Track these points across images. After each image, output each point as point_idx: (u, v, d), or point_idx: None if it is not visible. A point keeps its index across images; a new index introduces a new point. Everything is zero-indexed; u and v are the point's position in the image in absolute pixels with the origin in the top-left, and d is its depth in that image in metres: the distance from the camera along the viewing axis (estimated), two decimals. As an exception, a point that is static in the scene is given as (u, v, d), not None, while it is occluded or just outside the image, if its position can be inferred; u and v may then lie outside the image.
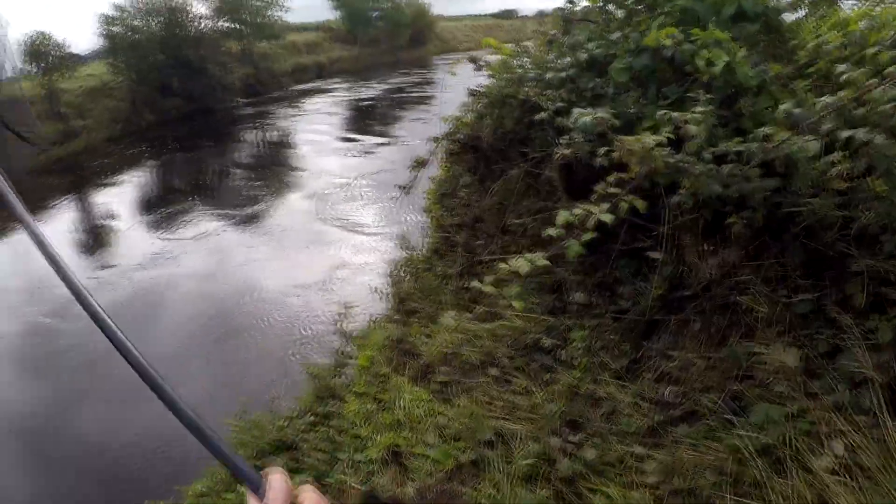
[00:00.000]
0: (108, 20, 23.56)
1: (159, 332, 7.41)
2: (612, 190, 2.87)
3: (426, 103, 19.99)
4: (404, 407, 3.59)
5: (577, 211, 2.82)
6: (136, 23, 23.68)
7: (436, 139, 5.86)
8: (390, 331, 4.36)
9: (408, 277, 5.57)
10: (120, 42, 23.29)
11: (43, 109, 20.67)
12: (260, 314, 7.41)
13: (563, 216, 2.82)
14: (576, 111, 3.63)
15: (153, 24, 23.82)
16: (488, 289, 3.00)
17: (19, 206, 0.84)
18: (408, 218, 9.13)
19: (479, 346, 3.99)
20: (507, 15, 53.74)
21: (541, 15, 14.69)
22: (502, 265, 2.84)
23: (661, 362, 3.31)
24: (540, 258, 2.80)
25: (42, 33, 21.09)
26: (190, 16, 24.71)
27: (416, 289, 5.14)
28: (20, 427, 5.92)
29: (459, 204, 5.87)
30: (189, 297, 8.39)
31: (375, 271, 7.53)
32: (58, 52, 21.33)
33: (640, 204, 2.87)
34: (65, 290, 0.78)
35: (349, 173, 12.87)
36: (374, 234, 9.43)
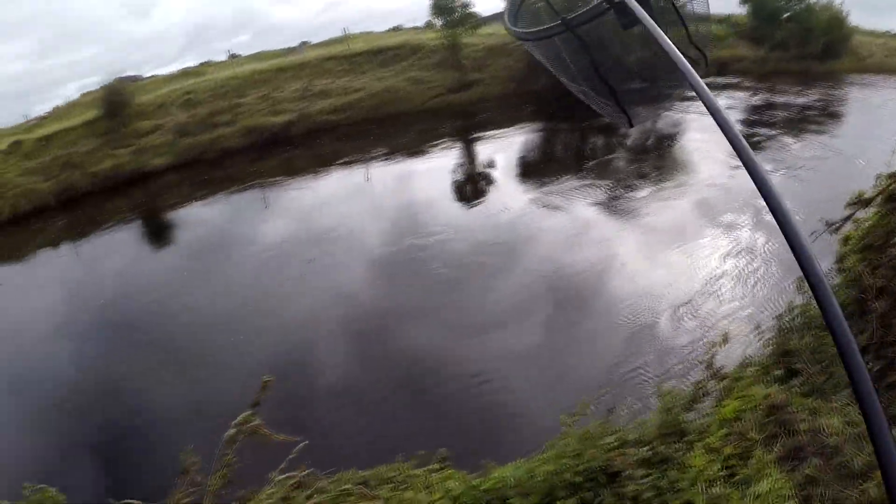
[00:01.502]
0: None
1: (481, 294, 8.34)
2: None
3: (832, 127, 16.42)
4: (756, 496, 2.97)
5: None
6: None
7: (881, 177, 5.02)
8: (769, 390, 3.71)
9: (798, 329, 4.76)
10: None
11: (443, 59, 24.23)
12: (607, 304, 7.32)
13: None
14: None
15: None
16: None
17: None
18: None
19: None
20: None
21: None
22: None
23: None
24: None
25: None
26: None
27: (806, 347, 4.38)
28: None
29: (888, 263, 4.81)
30: (535, 261, 8.92)
31: (755, 301, 6.67)
32: (462, 10, 24.17)
33: None
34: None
35: (739, 187, 10.43)
36: (759, 259, 8.17)
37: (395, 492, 4.22)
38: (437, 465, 4.46)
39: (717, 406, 3.76)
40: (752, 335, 5.33)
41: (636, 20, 1.26)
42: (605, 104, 1.64)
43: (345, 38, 27.79)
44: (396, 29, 32.11)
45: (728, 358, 4.71)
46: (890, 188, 4.92)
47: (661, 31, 1.19)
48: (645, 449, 3.32)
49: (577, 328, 7.25)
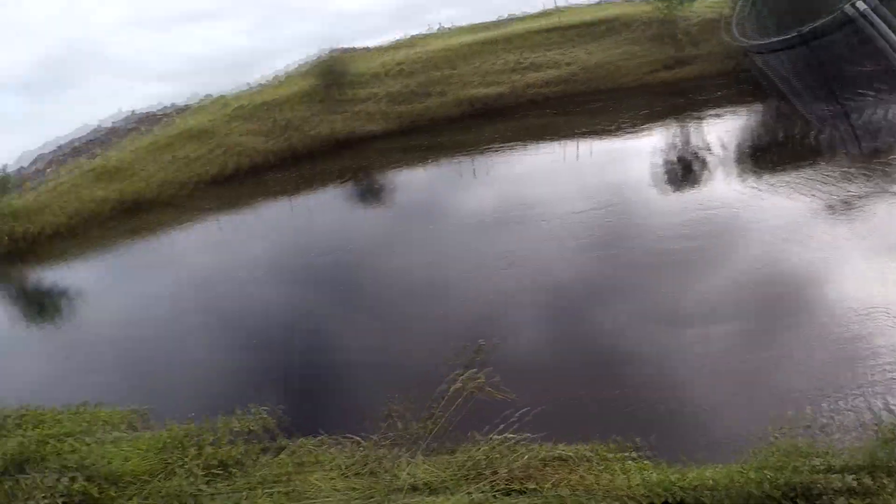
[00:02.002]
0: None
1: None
2: None
3: None
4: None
5: None
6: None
7: None
8: None
9: None
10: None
11: (657, 33, 22.98)
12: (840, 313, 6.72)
13: None
14: None
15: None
16: None
17: None
18: None
19: None
20: None
21: None
22: None
23: None
24: None
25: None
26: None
27: None
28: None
29: None
30: (750, 259, 8.50)
31: None
32: None
33: None
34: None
35: None
36: None
37: (591, 472, 4.36)
38: (632, 453, 4.57)
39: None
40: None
41: (875, 33, 1.40)
42: (831, 124, 1.80)
43: (555, 12, 27.55)
44: (605, 2, 30.94)
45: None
46: None
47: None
48: (851, 478, 3.22)
49: (800, 333, 6.77)
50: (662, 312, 7.66)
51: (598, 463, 4.52)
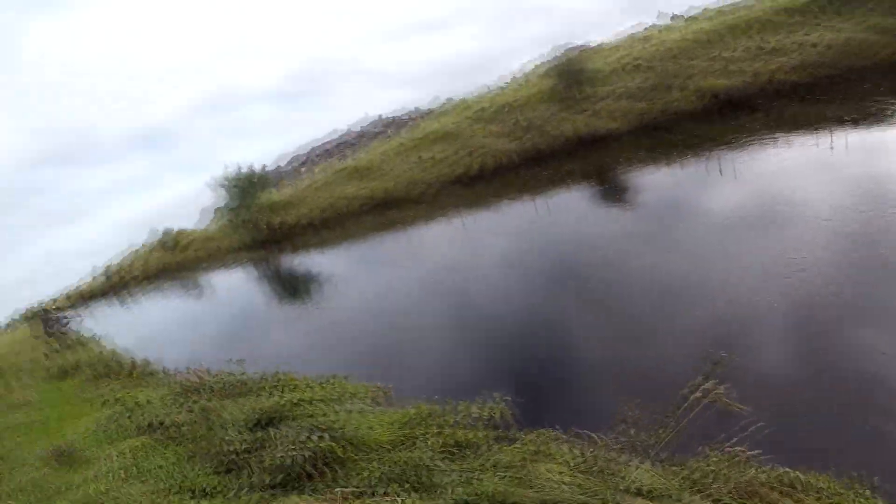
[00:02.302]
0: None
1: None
2: None
3: None
4: None
5: None
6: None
7: None
8: None
9: None
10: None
11: None
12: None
13: None
14: None
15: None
16: None
17: None
18: None
19: None
20: None
21: None
22: None
23: None
24: None
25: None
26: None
27: None
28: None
29: None
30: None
31: None
32: None
33: None
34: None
35: None
36: None
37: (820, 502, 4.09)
38: (866, 492, 4.37)
39: None
40: None
41: None
42: None
43: None
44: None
45: None
46: None
47: None
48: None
49: None
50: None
51: (828, 496, 4.34)
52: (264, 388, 8.53)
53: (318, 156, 42.47)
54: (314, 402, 7.46)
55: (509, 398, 6.43)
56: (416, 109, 39.03)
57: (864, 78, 18.65)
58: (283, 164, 44.36)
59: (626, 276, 10.40)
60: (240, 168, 28.80)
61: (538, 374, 8.00)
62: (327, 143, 43.88)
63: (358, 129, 43.13)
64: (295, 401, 7.37)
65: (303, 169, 39.64)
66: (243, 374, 9.55)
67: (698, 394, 5.02)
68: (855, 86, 18.40)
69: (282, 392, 8.06)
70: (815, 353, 6.90)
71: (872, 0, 21.36)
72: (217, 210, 30.02)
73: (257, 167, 29.52)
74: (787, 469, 4.57)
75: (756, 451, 4.69)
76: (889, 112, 15.09)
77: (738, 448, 4.73)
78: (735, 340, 7.31)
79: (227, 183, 28.42)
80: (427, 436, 6.00)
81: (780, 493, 4.29)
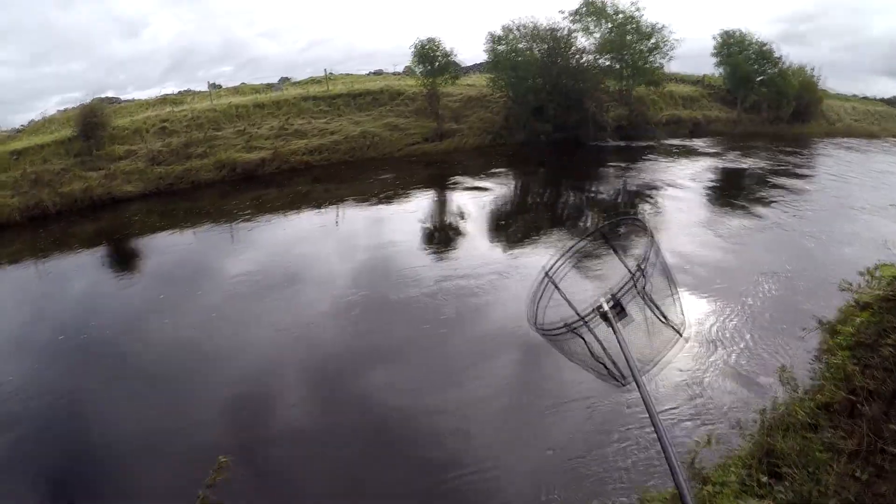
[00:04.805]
0: (494, 39, 25.92)
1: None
2: None
3: (806, 196, 16.46)
4: None
5: None
6: (520, 45, 25.53)
7: (869, 271, 4.61)
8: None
9: (781, 428, 4.38)
10: (503, 61, 25.32)
11: (421, 107, 24.81)
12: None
13: None
14: None
15: (536, 49, 25.36)
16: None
17: None
18: (789, 347, 6.62)
19: None
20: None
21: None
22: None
23: None
24: None
25: (431, 39, 24.37)
26: (573, 48, 25.62)
27: (791, 450, 4.03)
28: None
29: (881, 365, 4.47)
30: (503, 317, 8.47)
31: (732, 393, 6.04)
32: (443, 59, 24.42)
33: None
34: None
35: (719, 263, 10.46)
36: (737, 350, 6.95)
37: None
38: None
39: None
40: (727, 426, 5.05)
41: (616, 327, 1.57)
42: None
43: (325, 79, 28.03)
44: (377, 73, 32.67)
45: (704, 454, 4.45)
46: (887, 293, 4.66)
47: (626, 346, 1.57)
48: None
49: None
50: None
51: None
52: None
53: None
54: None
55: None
56: None
57: (373, 165, 21.51)
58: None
59: (142, 346, 9.25)
60: None
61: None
62: None
63: None
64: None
65: None
66: None
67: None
68: (363, 171, 20.89)
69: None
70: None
71: (390, 102, 25.04)
72: None
73: None
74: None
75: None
76: (390, 193, 17.48)
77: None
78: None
79: None
80: None
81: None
